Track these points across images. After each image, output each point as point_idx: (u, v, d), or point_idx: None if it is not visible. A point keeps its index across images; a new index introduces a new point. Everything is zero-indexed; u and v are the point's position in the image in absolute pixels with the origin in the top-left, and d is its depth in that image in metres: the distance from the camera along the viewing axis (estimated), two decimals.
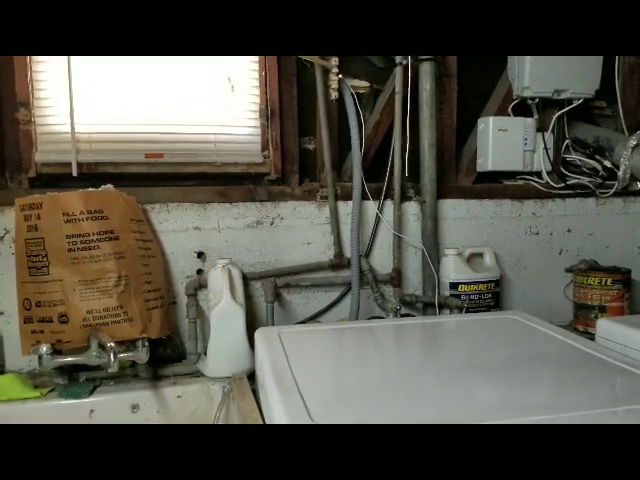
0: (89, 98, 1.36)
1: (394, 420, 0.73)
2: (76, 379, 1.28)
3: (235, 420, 1.10)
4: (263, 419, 0.94)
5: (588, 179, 1.75)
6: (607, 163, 1.73)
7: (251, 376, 1.23)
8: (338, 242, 1.54)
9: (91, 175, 1.37)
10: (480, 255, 1.66)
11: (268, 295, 1.39)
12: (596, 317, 1.64)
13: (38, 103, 1.35)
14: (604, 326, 1.26)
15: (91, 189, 1.26)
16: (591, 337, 1.60)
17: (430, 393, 0.86)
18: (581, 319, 1.69)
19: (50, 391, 1.23)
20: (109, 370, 1.05)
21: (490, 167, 1.65)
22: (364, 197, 1.53)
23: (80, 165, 1.35)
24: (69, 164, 1.34)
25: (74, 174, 1.34)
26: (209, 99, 1.43)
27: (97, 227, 1.20)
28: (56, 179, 1.37)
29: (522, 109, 1.69)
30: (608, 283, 1.62)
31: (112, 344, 1.06)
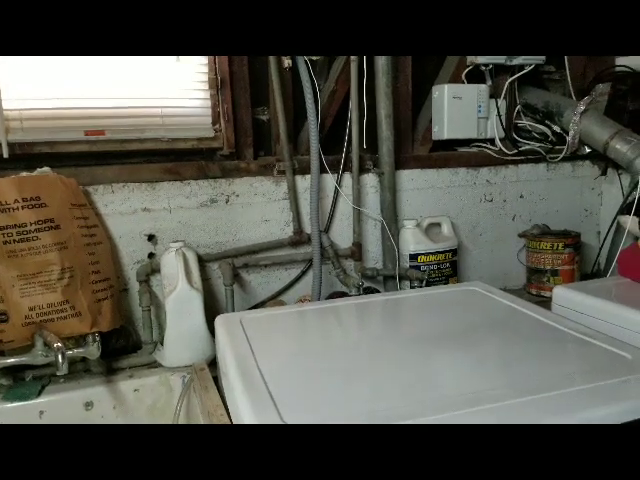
0: (17, 71, 1.21)
1: (364, 409, 0.72)
2: (22, 378, 1.19)
3: (198, 412, 1.05)
4: (228, 413, 0.90)
5: (538, 144, 1.77)
6: (556, 128, 1.75)
7: (212, 362, 1.18)
8: (297, 218, 1.49)
9: (25, 156, 1.24)
10: (438, 225, 1.66)
11: (227, 278, 1.33)
12: (548, 281, 1.69)
13: None
14: (560, 294, 1.28)
15: (25, 173, 1.14)
16: (544, 300, 1.67)
17: (396, 377, 0.84)
18: (534, 283, 1.74)
19: None
20: (58, 373, 0.97)
21: (446, 135, 1.63)
22: (322, 170, 1.48)
23: (11, 145, 1.22)
24: None
25: (5, 155, 1.20)
26: (153, 70, 1.31)
27: (35, 216, 1.09)
28: None
29: (474, 76, 1.67)
30: (559, 248, 1.67)
31: (59, 344, 0.98)
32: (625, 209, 1.54)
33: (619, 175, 1.81)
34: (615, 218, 1.63)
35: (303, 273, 1.54)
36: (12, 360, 1.09)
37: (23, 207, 1.08)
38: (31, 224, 1.08)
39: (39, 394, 1.14)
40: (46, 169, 1.18)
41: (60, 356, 0.96)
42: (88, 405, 1.16)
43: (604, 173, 1.87)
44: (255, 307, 1.49)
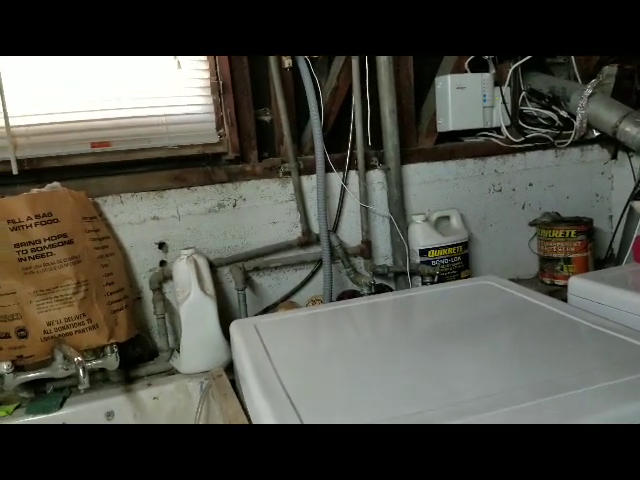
0: (23, 88, 1.22)
1: (381, 411, 0.73)
2: (43, 391, 1.21)
3: (217, 417, 1.06)
4: (249, 418, 0.91)
5: (545, 130, 1.75)
6: (563, 113, 1.72)
7: (229, 366, 1.19)
8: (305, 219, 1.49)
9: (34, 171, 1.25)
10: (447, 218, 1.65)
11: (238, 282, 1.34)
12: (561, 269, 1.68)
13: None
14: (576, 284, 1.26)
15: (36, 190, 1.15)
16: (557, 289, 1.66)
17: (413, 379, 0.84)
18: (547, 272, 1.72)
19: (17, 407, 1.16)
20: (80, 387, 0.98)
21: (451, 127, 1.62)
22: (327, 169, 1.48)
23: (20, 162, 1.23)
24: (8, 161, 1.21)
25: (14, 172, 1.21)
26: (155, 78, 1.32)
27: (48, 232, 1.10)
28: None
29: (477, 64, 1.65)
30: (572, 235, 1.65)
31: (79, 358, 0.99)
32: (638, 194, 1.52)
33: (630, 158, 1.79)
34: (628, 202, 1.61)
35: (313, 274, 1.54)
36: (33, 375, 1.11)
37: (36, 224, 1.09)
38: (45, 240, 1.10)
39: (61, 406, 1.16)
40: (56, 184, 1.19)
41: (81, 370, 0.97)
42: (109, 415, 1.18)
43: (614, 157, 1.85)
44: (267, 309, 1.49)
